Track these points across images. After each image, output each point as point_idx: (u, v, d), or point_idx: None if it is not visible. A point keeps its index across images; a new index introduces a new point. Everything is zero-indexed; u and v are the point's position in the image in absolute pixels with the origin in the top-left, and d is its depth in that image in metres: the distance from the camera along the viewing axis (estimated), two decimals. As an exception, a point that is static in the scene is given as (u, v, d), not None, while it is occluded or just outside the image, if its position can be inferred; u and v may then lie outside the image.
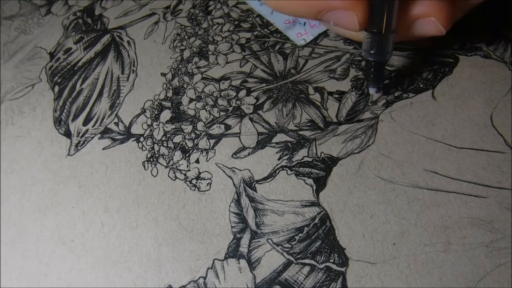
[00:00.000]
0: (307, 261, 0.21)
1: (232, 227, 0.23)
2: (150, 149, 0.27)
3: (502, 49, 0.24)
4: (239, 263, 0.22)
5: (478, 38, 0.24)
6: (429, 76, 0.24)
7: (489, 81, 0.23)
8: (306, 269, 0.21)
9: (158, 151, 0.27)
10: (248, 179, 0.24)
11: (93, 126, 0.29)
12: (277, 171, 0.24)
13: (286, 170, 0.23)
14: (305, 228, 0.22)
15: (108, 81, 0.31)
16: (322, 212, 0.22)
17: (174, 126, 0.27)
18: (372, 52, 0.20)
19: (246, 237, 0.22)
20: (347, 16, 0.19)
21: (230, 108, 0.26)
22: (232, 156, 0.25)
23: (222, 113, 0.27)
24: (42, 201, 0.27)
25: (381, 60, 0.21)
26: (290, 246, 0.21)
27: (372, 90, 0.23)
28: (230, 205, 0.23)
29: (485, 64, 0.23)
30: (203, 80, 0.28)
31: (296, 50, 0.27)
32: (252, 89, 0.27)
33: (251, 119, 0.26)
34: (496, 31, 0.24)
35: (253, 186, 0.24)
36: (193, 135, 0.26)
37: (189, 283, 0.22)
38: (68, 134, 0.30)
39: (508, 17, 0.24)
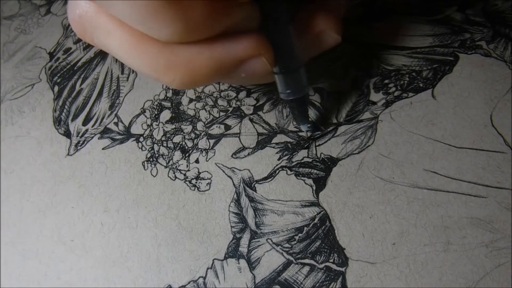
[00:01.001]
0: (306, 261, 0.21)
1: (231, 227, 0.23)
2: (149, 149, 0.27)
3: (502, 48, 0.24)
4: (238, 263, 0.22)
5: (478, 36, 0.24)
6: (429, 75, 0.24)
7: (489, 80, 0.23)
8: (306, 269, 0.21)
9: (158, 151, 0.27)
10: (248, 179, 0.24)
11: (92, 126, 0.29)
12: (277, 171, 0.24)
13: (286, 170, 0.23)
14: (305, 228, 0.22)
15: (108, 81, 0.31)
16: (322, 212, 0.22)
17: (173, 126, 0.27)
18: (288, 91, 0.20)
19: (245, 237, 0.22)
20: (257, 62, 0.17)
21: (230, 109, 0.26)
22: (232, 156, 0.25)
23: (222, 114, 0.27)
24: (41, 201, 0.27)
25: (300, 96, 0.20)
26: (289, 246, 0.21)
27: (304, 127, 0.23)
28: (229, 205, 0.23)
29: (485, 62, 0.23)
30: (202, 80, 0.28)
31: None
32: (252, 90, 0.27)
33: (251, 120, 0.26)
34: (496, 29, 0.24)
35: (253, 186, 0.24)
36: (192, 135, 0.26)
37: (189, 283, 0.22)
38: (67, 134, 0.30)
39: (508, 15, 0.24)
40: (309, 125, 0.23)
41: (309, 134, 0.24)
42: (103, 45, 0.17)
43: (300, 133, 0.24)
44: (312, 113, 0.25)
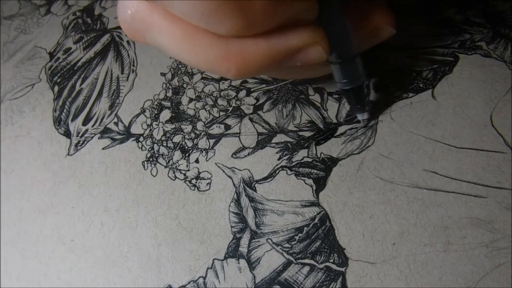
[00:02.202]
0: (306, 261, 0.21)
1: (231, 227, 0.23)
2: (149, 149, 0.27)
3: (502, 48, 0.24)
4: (238, 263, 0.22)
5: (478, 36, 0.24)
6: (429, 75, 0.24)
7: (489, 81, 0.23)
8: (306, 269, 0.21)
9: (158, 151, 0.27)
10: (248, 179, 0.24)
11: (92, 126, 0.29)
12: (277, 171, 0.24)
13: (286, 170, 0.23)
14: (305, 228, 0.22)
15: (108, 81, 0.31)
16: (322, 212, 0.22)
17: (173, 126, 0.27)
18: (345, 81, 0.20)
19: (245, 237, 0.22)
20: (313, 51, 0.17)
21: (230, 108, 0.26)
22: (232, 156, 0.25)
23: (222, 113, 0.27)
24: (41, 201, 0.27)
25: (356, 85, 0.21)
26: (289, 246, 0.21)
27: (360, 116, 0.23)
28: (229, 205, 0.23)
29: (485, 63, 0.23)
30: (202, 80, 0.28)
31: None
32: (252, 90, 0.27)
33: (251, 119, 0.26)
34: (496, 30, 0.24)
35: (253, 186, 0.24)
36: (192, 134, 0.26)
37: (189, 283, 0.22)
38: (67, 134, 0.30)
39: (508, 16, 0.24)
40: (366, 114, 0.23)
41: (365, 122, 0.23)
42: (156, 43, 0.18)
43: (300, 133, 0.24)
44: (313, 113, 0.25)
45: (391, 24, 0.20)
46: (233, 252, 0.22)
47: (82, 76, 0.32)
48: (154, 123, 0.28)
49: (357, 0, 0.19)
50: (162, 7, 0.16)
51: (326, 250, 0.21)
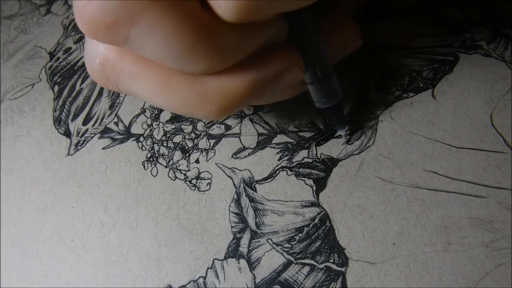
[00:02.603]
0: (307, 261, 0.21)
1: (232, 227, 0.23)
2: (150, 149, 0.27)
3: (503, 48, 0.24)
4: (239, 263, 0.22)
5: (478, 36, 0.24)
6: (429, 75, 0.24)
7: (489, 80, 0.23)
8: (306, 269, 0.21)
9: (158, 151, 0.27)
10: (248, 179, 0.24)
11: (92, 126, 0.29)
12: (277, 172, 0.24)
13: (286, 170, 0.23)
14: (305, 228, 0.22)
15: (108, 81, 0.31)
16: (322, 213, 0.22)
17: (174, 126, 0.27)
18: (323, 100, 0.20)
19: (246, 237, 0.22)
20: (291, 74, 0.17)
21: (230, 108, 0.26)
22: (232, 156, 0.25)
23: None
24: (41, 200, 0.27)
25: (335, 103, 0.20)
26: (290, 246, 0.21)
27: (341, 132, 0.23)
28: (230, 205, 0.23)
29: (486, 62, 0.23)
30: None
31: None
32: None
33: (251, 120, 0.26)
34: (497, 30, 0.24)
35: (253, 186, 0.24)
36: (193, 135, 0.26)
37: (189, 283, 0.22)
38: (67, 133, 0.30)
39: (508, 15, 0.24)
40: (347, 129, 0.23)
41: (347, 137, 0.23)
42: (129, 91, 0.17)
43: (301, 133, 0.24)
44: (313, 114, 0.25)
45: (358, 36, 0.20)
46: (233, 252, 0.22)
47: (82, 76, 0.32)
48: (155, 123, 0.28)
49: (323, 15, 0.19)
50: (132, 52, 0.15)
51: (326, 250, 0.21)
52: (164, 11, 0.13)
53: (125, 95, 0.30)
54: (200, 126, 0.27)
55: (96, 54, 0.16)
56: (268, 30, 0.16)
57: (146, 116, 0.28)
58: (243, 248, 0.22)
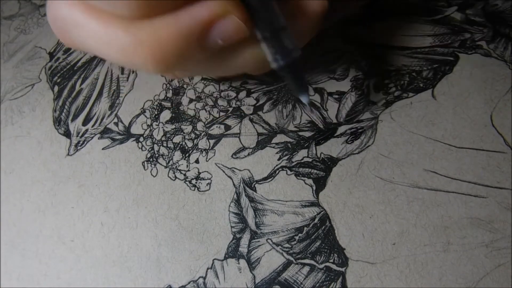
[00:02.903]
0: (306, 261, 0.21)
1: (231, 227, 0.23)
2: (149, 149, 0.27)
3: (502, 48, 0.24)
4: (238, 263, 0.22)
5: (478, 36, 0.24)
6: (429, 75, 0.24)
7: (489, 80, 0.23)
8: (306, 269, 0.21)
9: (158, 151, 0.27)
10: (248, 179, 0.24)
11: (92, 126, 0.29)
12: (277, 171, 0.23)
13: (286, 170, 0.23)
14: (305, 228, 0.22)
15: (108, 81, 0.31)
16: (322, 212, 0.22)
17: (174, 126, 0.27)
18: (277, 57, 0.18)
19: (245, 237, 0.22)
20: (229, 23, 0.16)
21: (230, 109, 0.26)
22: (232, 156, 0.25)
23: (222, 114, 0.27)
24: (41, 201, 0.27)
25: (290, 60, 0.18)
26: (289, 246, 0.21)
27: (305, 99, 0.20)
28: (229, 205, 0.23)
29: (486, 62, 0.23)
30: (203, 81, 0.28)
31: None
32: (252, 90, 0.27)
33: (251, 120, 0.26)
34: (496, 29, 0.24)
35: (253, 186, 0.23)
36: (192, 135, 0.26)
37: (189, 283, 0.22)
38: (67, 134, 0.30)
39: (508, 15, 0.24)
40: (310, 95, 0.21)
41: (308, 105, 0.21)
42: (80, 43, 0.17)
43: (300, 133, 0.24)
44: (313, 114, 0.25)
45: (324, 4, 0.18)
46: (233, 252, 0.22)
47: (82, 76, 0.32)
48: (154, 123, 0.28)
49: None
50: (81, 2, 0.16)
51: (326, 250, 0.21)
52: None
53: (125, 95, 0.30)
54: (200, 126, 0.27)
55: (53, 5, 0.17)
56: None
57: (146, 116, 0.28)
58: (243, 248, 0.22)
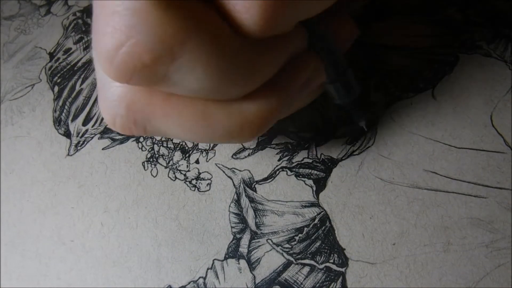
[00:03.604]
0: (307, 261, 0.21)
1: (232, 227, 0.23)
2: (150, 150, 0.27)
3: (503, 48, 0.23)
4: (239, 263, 0.22)
5: (478, 36, 0.24)
6: (429, 75, 0.24)
7: (489, 81, 0.23)
8: (306, 269, 0.21)
9: (158, 151, 0.27)
10: (248, 180, 0.24)
11: (92, 126, 0.29)
12: (277, 172, 0.24)
13: (286, 171, 0.23)
14: (305, 228, 0.22)
15: (108, 81, 0.31)
16: (322, 213, 0.22)
17: (173, 126, 0.27)
18: (343, 96, 0.20)
19: (246, 238, 0.22)
20: (317, 79, 0.18)
21: (230, 108, 0.26)
22: (232, 156, 0.25)
23: (221, 113, 0.26)
24: (41, 201, 0.27)
25: (354, 97, 0.21)
26: (290, 246, 0.21)
27: (362, 124, 0.23)
28: (230, 206, 0.23)
29: (486, 63, 0.23)
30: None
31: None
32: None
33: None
34: (497, 30, 0.24)
35: (253, 186, 0.24)
36: (192, 135, 0.26)
37: (189, 283, 0.22)
38: (67, 134, 0.30)
39: (508, 15, 0.24)
40: (366, 122, 0.23)
41: (366, 129, 0.23)
42: (160, 131, 0.16)
43: (300, 134, 0.24)
44: (313, 114, 0.25)
45: (356, 34, 0.20)
46: (233, 252, 0.22)
47: (82, 76, 0.32)
48: (154, 123, 0.28)
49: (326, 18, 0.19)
50: (161, 91, 0.15)
51: (326, 250, 0.21)
52: (203, 41, 0.12)
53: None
54: (200, 126, 0.27)
55: (119, 98, 0.15)
56: (292, 42, 0.16)
57: (146, 116, 0.28)
58: (243, 249, 0.22)
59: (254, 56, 0.14)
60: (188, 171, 0.25)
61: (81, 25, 0.35)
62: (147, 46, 0.12)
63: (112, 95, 0.15)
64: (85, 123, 0.30)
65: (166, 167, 0.26)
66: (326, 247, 0.21)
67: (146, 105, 0.15)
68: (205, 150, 0.26)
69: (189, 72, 0.13)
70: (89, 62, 0.33)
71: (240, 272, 0.22)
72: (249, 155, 0.25)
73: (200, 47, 0.12)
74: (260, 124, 0.16)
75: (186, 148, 0.26)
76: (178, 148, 0.26)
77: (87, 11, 0.36)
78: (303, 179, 0.23)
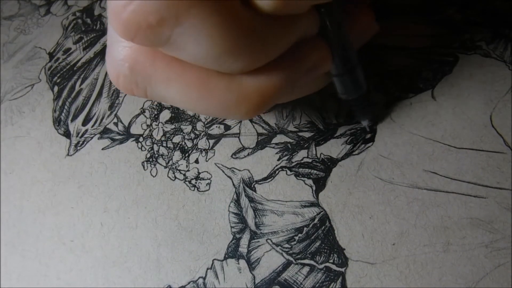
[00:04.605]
0: (306, 261, 0.21)
1: (231, 227, 0.23)
2: (149, 149, 0.27)
3: (502, 48, 0.23)
4: (238, 263, 0.22)
5: (478, 36, 0.24)
6: (429, 75, 0.24)
7: (489, 81, 0.23)
8: (306, 269, 0.21)
9: (158, 151, 0.27)
10: (248, 179, 0.24)
11: (92, 126, 0.29)
12: (277, 172, 0.24)
13: (286, 170, 0.23)
14: (305, 228, 0.22)
15: (108, 81, 0.31)
16: (322, 213, 0.22)
17: (173, 126, 0.27)
18: (348, 91, 0.20)
19: (245, 237, 0.22)
20: (322, 67, 0.18)
21: (230, 108, 0.26)
22: (231, 156, 0.25)
23: (221, 113, 0.26)
24: (41, 201, 0.27)
25: (359, 94, 0.20)
26: (289, 246, 0.21)
27: (365, 123, 0.23)
28: (229, 205, 0.23)
29: (485, 63, 0.23)
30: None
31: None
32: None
33: (251, 120, 0.26)
34: (496, 30, 0.24)
35: (252, 186, 0.24)
36: (192, 135, 0.26)
37: (189, 283, 0.22)
38: (67, 134, 0.30)
39: (508, 15, 0.24)
40: (369, 120, 0.23)
41: (368, 129, 0.23)
42: (159, 96, 0.16)
43: (300, 133, 0.24)
44: (313, 114, 0.25)
45: (374, 21, 0.20)
46: (232, 252, 0.22)
47: (82, 76, 0.32)
48: (154, 123, 0.28)
49: (344, 5, 0.19)
50: (165, 55, 0.15)
51: (325, 250, 0.21)
52: (209, 9, 0.12)
53: (125, 95, 0.30)
54: (199, 126, 0.27)
55: (125, 58, 0.15)
56: (303, 24, 0.16)
57: (145, 116, 0.28)
58: (243, 249, 0.22)
59: (262, 33, 0.14)
60: (188, 170, 0.25)
61: (81, 25, 0.35)
62: (153, 7, 0.12)
63: (118, 53, 0.16)
64: (84, 123, 0.30)
65: (165, 167, 0.26)
66: (326, 247, 0.21)
67: (148, 67, 0.15)
68: (204, 149, 0.26)
69: (193, 38, 0.13)
70: (89, 62, 0.33)
71: (240, 272, 0.22)
72: (248, 154, 0.25)
73: (205, 14, 0.12)
74: (258, 100, 0.16)
75: (186, 147, 0.26)
76: (177, 148, 0.26)
77: (87, 11, 0.36)
78: (302, 178, 0.23)
